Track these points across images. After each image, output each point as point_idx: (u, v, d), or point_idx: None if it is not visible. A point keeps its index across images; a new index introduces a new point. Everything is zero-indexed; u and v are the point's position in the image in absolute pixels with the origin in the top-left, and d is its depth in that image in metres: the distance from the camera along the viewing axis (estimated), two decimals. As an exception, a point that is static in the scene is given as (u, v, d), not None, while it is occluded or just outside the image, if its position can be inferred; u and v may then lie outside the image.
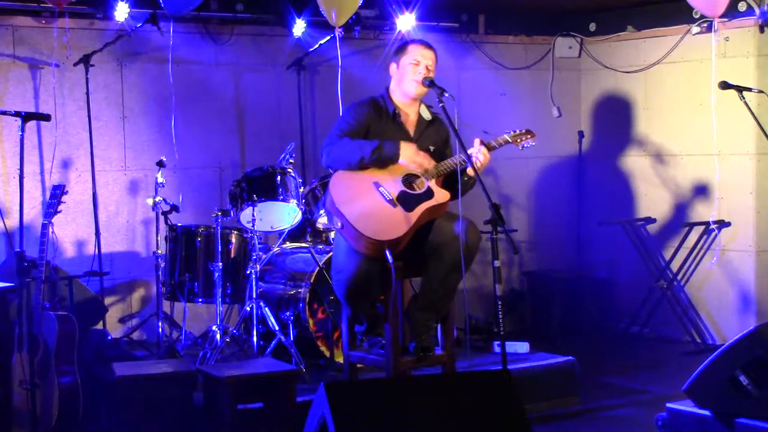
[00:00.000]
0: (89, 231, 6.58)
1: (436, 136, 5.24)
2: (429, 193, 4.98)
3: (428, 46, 5.22)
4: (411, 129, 5.18)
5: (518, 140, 5.16)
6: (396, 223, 4.86)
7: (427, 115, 5.23)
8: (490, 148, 5.04)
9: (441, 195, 5.00)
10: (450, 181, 5.02)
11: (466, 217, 5.01)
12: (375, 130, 5.09)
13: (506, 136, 5.15)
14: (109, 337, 6.29)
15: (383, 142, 4.97)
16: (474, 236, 4.99)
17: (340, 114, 5.23)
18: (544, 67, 8.45)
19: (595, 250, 8.43)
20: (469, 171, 4.94)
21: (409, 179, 5.00)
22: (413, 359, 5.11)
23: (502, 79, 8.25)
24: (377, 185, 4.93)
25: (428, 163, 5.01)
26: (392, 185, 4.95)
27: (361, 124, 5.06)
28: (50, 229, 5.18)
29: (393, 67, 5.21)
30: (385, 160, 4.95)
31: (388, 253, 4.79)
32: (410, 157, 4.97)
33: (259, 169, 6.10)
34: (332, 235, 6.19)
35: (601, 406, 6.06)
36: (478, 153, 5.00)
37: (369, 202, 4.89)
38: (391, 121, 5.13)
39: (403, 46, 5.23)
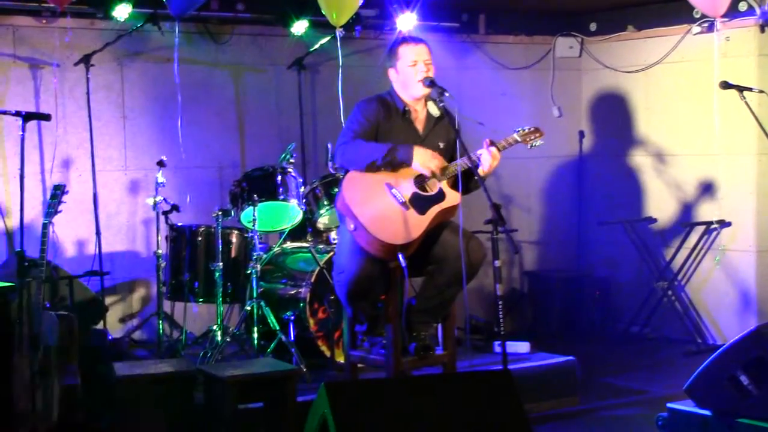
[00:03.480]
0: (89, 231, 6.58)
1: (446, 133, 5.20)
2: (441, 195, 4.97)
3: (417, 41, 5.18)
4: (420, 126, 5.17)
5: (528, 139, 5.12)
6: (409, 227, 4.85)
7: (435, 111, 5.20)
8: (499, 149, 5.00)
9: (452, 197, 4.99)
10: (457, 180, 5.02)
11: (471, 233, 5.00)
12: (385, 127, 5.08)
13: (515, 136, 5.10)
14: (110, 337, 6.29)
15: (397, 146, 4.94)
16: (478, 256, 5.00)
17: (344, 113, 5.22)
18: (545, 67, 8.45)
19: (596, 250, 8.43)
20: (481, 172, 4.91)
21: (420, 180, 4.99)
22: (413, 359, 5.12)
23: (503, 79, 8.25)
24: (390, 187, 4.93)
25: (441, 166, 4.97)
26: (404, 187, 4.94)
27: (371, 121, 5.05)
28: (50, 229, 5.17)
29: (392, 73, 5.17)
30: (398, 163, 4.93)
31: (401, 256, 4.80)
32: (424, 162, 4.94)
33: (259, 168, 6.10)
34: (332, 235, 6.20)
35: (601, 406, 6.06)
36: (488, 155, 4.95)
37: (382, 205, 4.88)
38: (401, 119, 5.12)
39: (393, 49, 5.17)
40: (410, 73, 5.08)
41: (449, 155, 5.12)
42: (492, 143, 4.98)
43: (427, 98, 5.18)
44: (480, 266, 5.06)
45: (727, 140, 7.41)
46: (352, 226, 4.88)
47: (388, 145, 4.93)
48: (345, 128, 5.10)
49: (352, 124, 5.07)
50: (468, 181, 4.97)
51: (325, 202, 6.13)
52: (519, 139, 5.10)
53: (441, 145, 5.14)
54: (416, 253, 4.98)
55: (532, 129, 5.14)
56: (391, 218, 4.86)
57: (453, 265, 4.94)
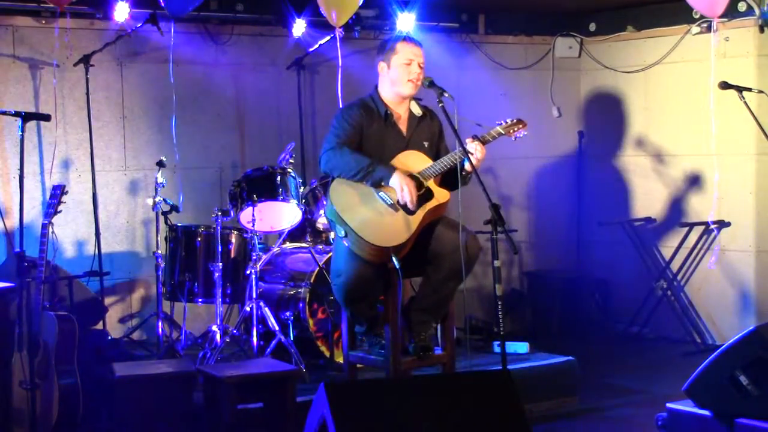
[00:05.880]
0: (89, 231, 6.58)
1: (429, 131, 5.22)
2: (429, 194, 4.97)
3: (416, 42, 5.18)
4: (403, 127, 5.17)
5: (511, 131, 5.11)
6: (399, 228, 4.85)
7: (417, 110, 5.21)
8: (483, 142, 5.00)
9: (440, 194, 4.99)
10: (447, 176, 5.01)
11: (467, 227, 5.00)
12: (368, 132, 5.08)
13: (498, 128, 5.10)
14: (109, 337, 6.30)
15: (376, 166, 4.92)
16: (475, 249, 4.99)
17: (333, 119, 5.21)
18: (544, 67, 8.45)
19: (595, 250, 8.43)
20: (467, 167, 4.92)
21: None
22: (413, 359, 5.12)
23: (502, 79, 8.25)
24: (377, 190, 4.93)
25: (414, 199, 4.94)
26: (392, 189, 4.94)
27: (354, 127, 5.05)
28: (50, 229, 5.18)
29: (383, 66, 5.15)
30: (377, 180, 4.93)
31: (394, 258, 4.79)
32: (401, 188, 4.88)
33: (259, 169, 6.10)
34: (332, 235, 6.19)
35: (601, 406, 6.06)
36: (473, 149, 4.95)
37: (371, 209, 4.88)
38: (384, 122, 5.12)
39: (390, 44, 5.16)
40: (402, 71, 5.07)
41: (434, 152, 5.14)
42: (476, 137, 4.98)
43: (410, 98, 5.19)
44: (477, 258, 5.05)
45: (727, 140, 7.41)
46: (342, 233, 4.88)
47: (369, 161, 4.93)
48: (329, 134, 5.10)
49: (336, 131, 5.07)
50: (454, 176, 4.95)
51: (325, 203, 6.13)
52: (503, 132, 5.09)
53: (426, 144, 5.16)
54: (413, 253, 4.97)
55: (515, 120, 5.13)
56: (381, 221, 4.86)
57: (449, 259, 4.94)
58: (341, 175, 4.97)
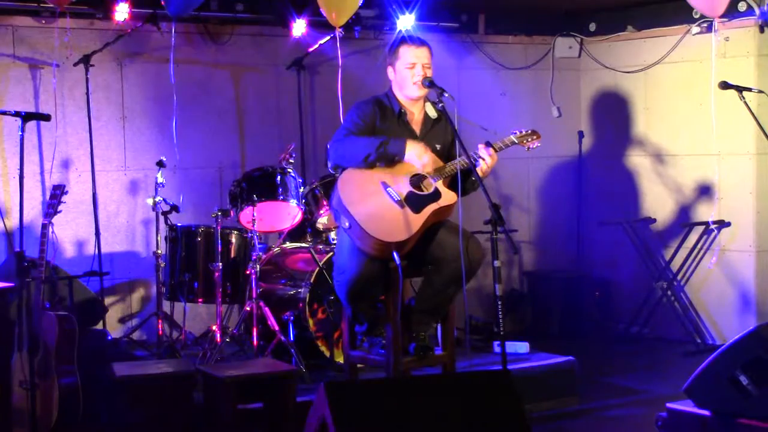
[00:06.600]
0: (89, 231, 6.58)
1: (443, 134, 5.20)
2: (436, 195, 4.96)
3: (419, 43, 5.15)
4: (417, 128, 5.17)
5: (524, 141, 5.13)
6: (404, 225, 4.85)
7: (432, 113, 5.20)
8: (496, 150, 5.00)
9: (448, 197, 4.98)
10: (456, 181, 5.01)
11: (469, 232, 5.00)
12: (381, 129, 5.07)
13: (512, 137, 5.11)
14: (109, 337, 6.30)
15: (389, 138, 4.95)
16: (477, 256, 4.99)
17: (344, 114, 5.22)
18: (544, 67, 8.45)
19: (595, 250, 8.43)
20: (479, 172, 4.89)
21: (416, 180, 4.99)
22: (413, 359, 5.12)
23: (502, 79, 8.25)
24: (385, 185, 4.92)
25: (434, 163, 4.98)
26: (400, 186, 4.94)
27: (366, 123, 5.04)
28: (50, 229, 5.18)
29: (390, 71, 5.17)
30: (391, 156, 4.92)
31: (395, 254, 4.79)
32: (418, 154, 4.95)
33: (259, 169, 6.10)
34: (332, 235, 6.20)
35: (601, 406, 6.06)
36: (485, 156, 4.96)
37: (377, 203, 4.88)
38: (397, 120, 5.12)
39: (395, 48, 5.17)
40: (407, 75, 5.08)
41: (446, 157, 5.12)
42: (488, 144, 4.99)
43: (425, 99, 5.19)
44: (479, 266, 5.06)
45: (727, 140, 7.41)
46: (347, 224, 4.88)
47: (381, 138, 4.94)
48: (340, 128, 5.11)
49: (347, 124, 5.08)
50: (464, 181, 4.97)
51: (325, 203, 6.13)
52: (516, 141, 5.11)
53: (438, 147, 5.14)
54: (415, 253, 4.98)
55: (529, 131, 5.15)
56: (386, 216, 4.86)
57: (451, 265, 4.94)
58: (351, 163, 4.95)
